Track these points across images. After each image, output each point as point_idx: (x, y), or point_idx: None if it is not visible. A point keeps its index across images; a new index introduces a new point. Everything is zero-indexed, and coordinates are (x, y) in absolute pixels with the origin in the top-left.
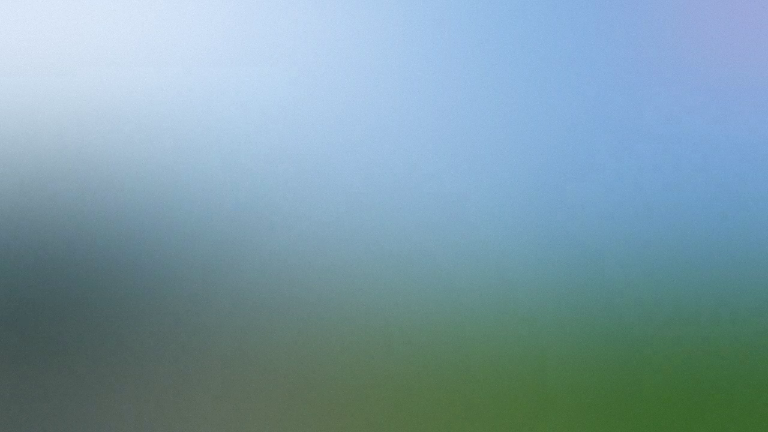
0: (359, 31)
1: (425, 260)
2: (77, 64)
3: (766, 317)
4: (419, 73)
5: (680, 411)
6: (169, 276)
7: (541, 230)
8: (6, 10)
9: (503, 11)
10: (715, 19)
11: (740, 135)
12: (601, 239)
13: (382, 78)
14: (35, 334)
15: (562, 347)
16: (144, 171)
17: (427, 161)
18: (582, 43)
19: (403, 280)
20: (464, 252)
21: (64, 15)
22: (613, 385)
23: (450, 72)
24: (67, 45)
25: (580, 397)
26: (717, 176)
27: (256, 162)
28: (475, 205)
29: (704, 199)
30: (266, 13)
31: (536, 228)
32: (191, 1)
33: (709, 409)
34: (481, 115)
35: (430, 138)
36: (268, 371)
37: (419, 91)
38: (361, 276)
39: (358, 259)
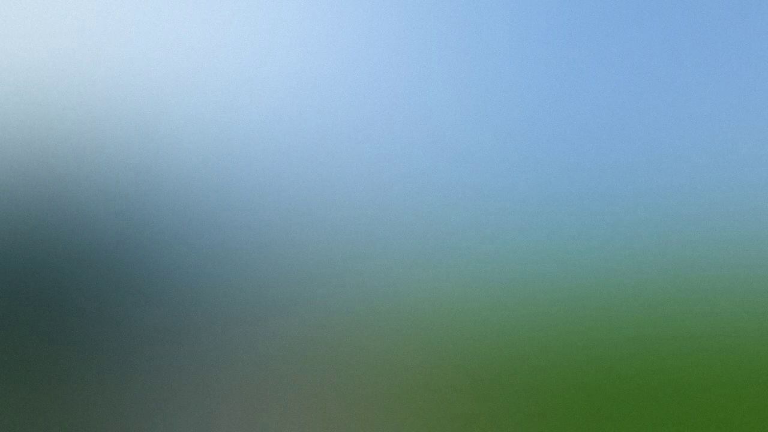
0: (359, 30)
1: (425, 259)
2: (77, 63)
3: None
4: (421, 72)
5: (680, 409)
6: (170, 275)
7: (541, 229)
8: (6, 9)
9: (501, 9)
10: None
11: (742, 134)
12: (602, 238)
13: (383, 77)
14: (35, 334)
15: (562, 345)
16: (144, 170)
17: (428, 159)
18: (584, 41)
19: (401, 280)
20: (464, 250)
21: (64, 14)
22: (615, 383)
23: (451, 70)
24: (67, 43)
25: (580, 394)
26: (720, 177)
27: (256, 160)
28: (474, 204)
29: (706, 199)
30: (266, 12)
31: (537, 227)
32: (190, 0)
33: (709, 409)
34: (482, 113)
35: (430, 135)
36: (269, 371)
37: (420, 89)
38: (360, 274)
39: (358, 257)
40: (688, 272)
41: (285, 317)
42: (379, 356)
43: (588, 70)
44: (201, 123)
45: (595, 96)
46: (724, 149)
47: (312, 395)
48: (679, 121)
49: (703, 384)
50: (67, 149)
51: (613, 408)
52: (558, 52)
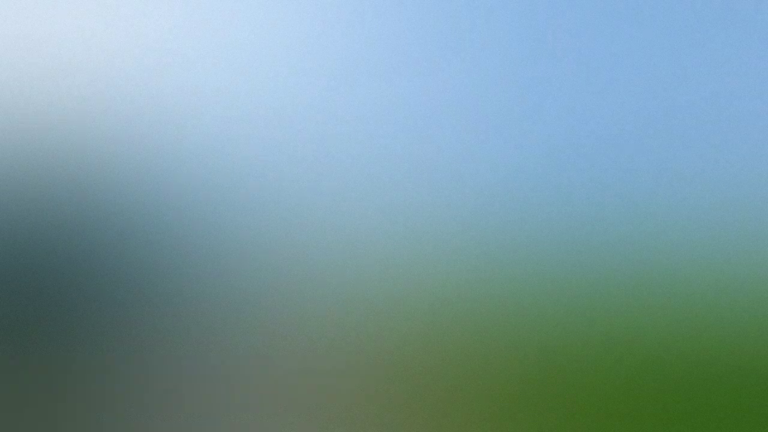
0: (359, 30)
1: (425, 259)
2: (77, 63)
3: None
4: (421, 72)
5: (680, 408)
6: (170, 275)
7: (541, 229)
8: (6, 9)
9: (502, 9)
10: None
11: (741, 134)
12: (602, 237)
13: (383, 77)
14: (35, 334)
15: (563, 345)
16: (144, 170)
17: (428, 159)
18: (584, 41)
19: (401, 280)
20: (464, 250)
21: (64, 13)
22: (615, 383)
23: (451, 70)
24: (66, 43)
25: (581, 395)
26: (720, 177)
27: (256, 160)
28: (474, 203)
29: (706, 199)
30: (266, 11)
31: (537, 226)
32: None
33: (710, 409)
34: (482, 113)
35: (430, 135)
36: (269, 371)
37: (420, 89)
38: (359, 274)
39: (358, 257)
40: (688, 272)
41: (285, 317)
42: (379, 356)
43: (588, 70)
44: (201, 123)
45: (595, 96)
46: (724, 149)
47: (313, 396)
48: (679, 121)
49: (704, 384)
50: (66, 149)
51: (613, 408)
52: (558, 52)
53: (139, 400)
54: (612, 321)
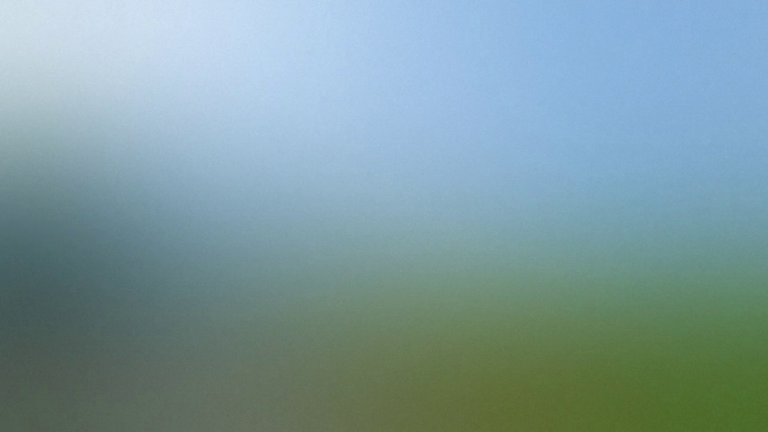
0: (359, 30)
1: (425, 259)
2: (78, 63)
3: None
4: (420, 72)
5: (679, 409)
6: (170, 275)
7: (541, 229)
8: (6, 9)
9: (501, 9)
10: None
11: (741, 133)
12: (601, 238)
13: (383, 77)
14: (35, 334)
15: (562, 346)
16: (144, 170)
17: (427, 159)
18: (583, 41)
19: (401, 280)
20: (464, 250)
21: (64, 13)
22: (615, 384)
23: (450, 70)
24: (67, 43)
25: (581, 395)
26: (720, 177)
27: (256, 160)
28: (474, 204)
29: (706, 199)
30: (266, 11)
31: (536, 227)
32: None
33: (709, 409)
34: (482, 113)
35: (430, 135)
36: (269, 371)
37: (420, 89)
38: (359, 274)
39: (357, 258)
40: (688, 272)
41: (284, 317)
42: (378, 356)
43: (588, 70)
44: (201, 123)
45: (595, 96)
46: (724, 149)
47: (312, 396)
48: (679, 121)
49: (703, 384)
50: (67, 149)
51: (613, 408)
52: (557, 51)
53: (138, 399)
54: (612, 320)
